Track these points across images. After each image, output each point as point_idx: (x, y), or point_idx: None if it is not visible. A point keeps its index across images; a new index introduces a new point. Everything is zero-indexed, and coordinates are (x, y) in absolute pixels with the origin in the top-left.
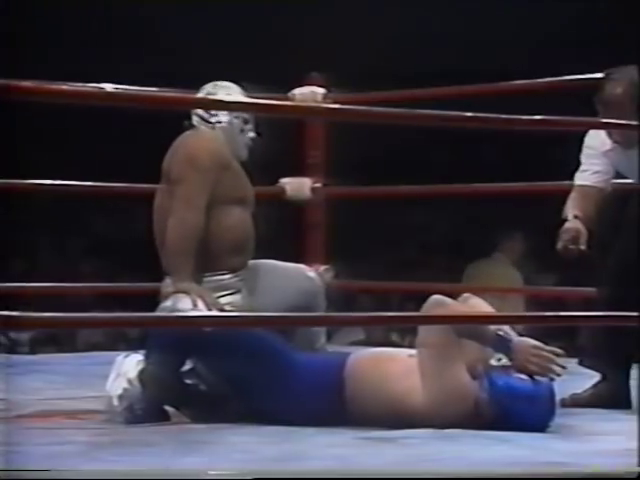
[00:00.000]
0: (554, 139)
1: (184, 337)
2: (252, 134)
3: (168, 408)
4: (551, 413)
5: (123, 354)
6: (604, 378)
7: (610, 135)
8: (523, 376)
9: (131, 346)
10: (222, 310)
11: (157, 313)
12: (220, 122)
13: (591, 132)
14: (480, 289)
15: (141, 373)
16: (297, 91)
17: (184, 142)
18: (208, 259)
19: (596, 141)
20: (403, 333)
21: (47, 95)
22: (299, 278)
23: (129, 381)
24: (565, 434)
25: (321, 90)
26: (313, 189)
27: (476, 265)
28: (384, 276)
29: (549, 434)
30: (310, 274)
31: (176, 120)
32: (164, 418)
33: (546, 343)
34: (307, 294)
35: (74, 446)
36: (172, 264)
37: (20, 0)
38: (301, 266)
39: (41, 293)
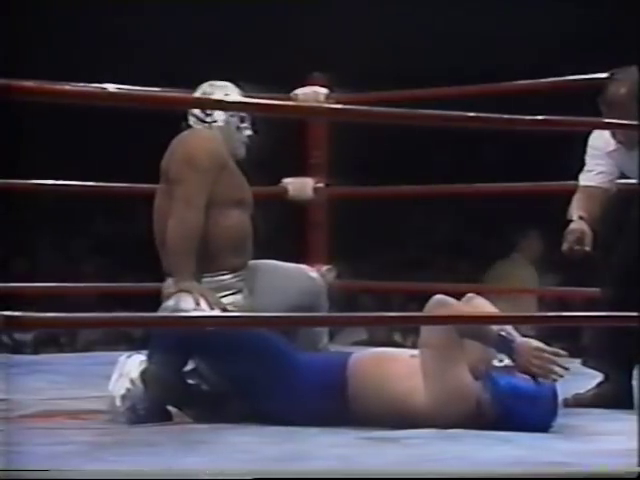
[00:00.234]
0: (558, 139)
1: (186, 337)
2: (249, 132)
3: (170, 408)
4: (553, 413)
5: (125, 354)
6: (607, 378)
7: (614, 135)
8: (526, 376)
9: (134, 346)
10: (224, 309)
11: (159, 313)
12: (216, 121)
13: (595, 133)
14: (484, 289)
15: (143, 373)
16: (299, 91)
17: (182, 142)
18: (207, 260)
19: (600, 142)
20: (405, 333)
21: (48, 95)
22: (301, 278)
23: (132, 381)
24: (568, 434)
25: (323, 90)
26: (315, 189)
27: (497, 266)
28: (386, 276)
29: (552, 434)
30: (312, 274)
31: (178, 120)
32: (166, 418)
33: (549, 344)
34: (309, 294)
35: (76, 446)
36: (173, 264)
37: (20, 0)
38: (303, 266)
39: (43, 293)
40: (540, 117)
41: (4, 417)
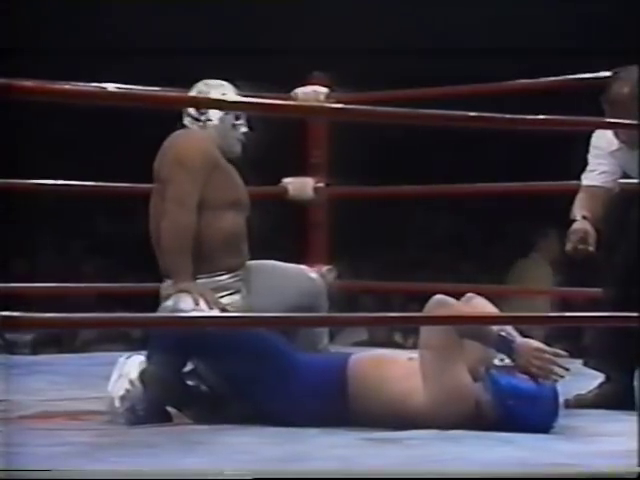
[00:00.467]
0: (560, 139)
1: (186, 338)
2: (244, 129)
3: (170, 409)
4: (554, 414)
5: (125, 355)
6: (608, 379)
7: (617, 135)
8: (526, 377)
9: (133, 347)
10: (223, 309)
11: (158, 313)
12: (211, 120)
13: (598, 132)
14: (484, 290)
15: (143, 374)
16: (300, 90)
17: (173, 142)
18: (202, 260)
19: (603, 141)
20: (406, 334)
21: (48, 95)
22: (300, 279)
23: (131, 382)
24: (569, 435)
25: (324, 89)
26: (315, 189)
27: (516, 266)
28: (387, 276)
29: (553, 435)
30: (312, 275)
31: (177, 119)
32: (166, 419)
33: (549, 344)
34: (309, 295)
35: (76, 447)
36: (170, 265)
37: (20, 0)
38: (303, 267)
39: (42, 293)
40: (542, 117)
41: (4, 418)
